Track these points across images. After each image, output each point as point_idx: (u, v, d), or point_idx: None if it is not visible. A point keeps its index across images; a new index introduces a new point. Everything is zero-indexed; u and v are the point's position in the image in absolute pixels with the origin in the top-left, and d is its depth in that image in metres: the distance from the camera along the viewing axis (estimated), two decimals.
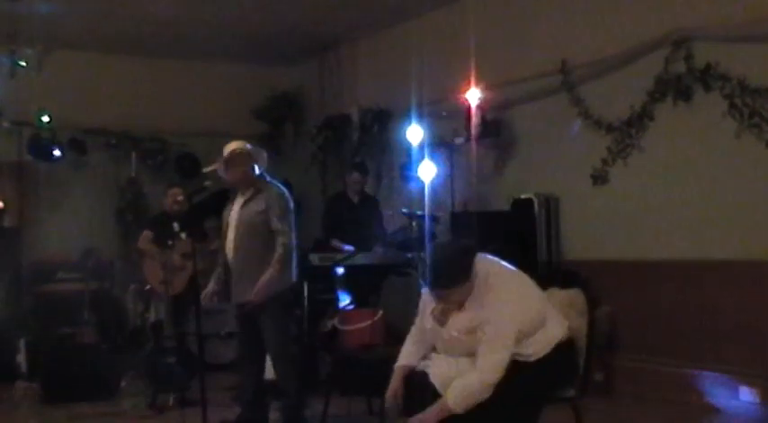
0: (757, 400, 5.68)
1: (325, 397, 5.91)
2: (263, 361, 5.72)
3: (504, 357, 3.75)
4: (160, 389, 6.84)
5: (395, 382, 4.05)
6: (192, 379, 6.66)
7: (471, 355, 3.82)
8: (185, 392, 6.71)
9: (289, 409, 5.61)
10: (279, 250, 5.49)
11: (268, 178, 5.73)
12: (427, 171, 7.67)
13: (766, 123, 5.82)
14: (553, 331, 3.89)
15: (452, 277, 3.82)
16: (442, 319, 3.95)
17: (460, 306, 3.87)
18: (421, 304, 4.12)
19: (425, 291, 4.10)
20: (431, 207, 7.81)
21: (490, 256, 3.98)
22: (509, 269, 3.98)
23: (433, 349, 4.05)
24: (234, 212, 5.62)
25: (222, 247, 5.74)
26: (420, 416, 3.84)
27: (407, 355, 4.12)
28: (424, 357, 4.05)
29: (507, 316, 3.77)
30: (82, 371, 7.12)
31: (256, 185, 5.60)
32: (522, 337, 3.79)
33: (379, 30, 9.34)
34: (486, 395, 3.74)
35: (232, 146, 5.62)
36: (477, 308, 3.82)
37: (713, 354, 6.11)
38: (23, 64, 8.07)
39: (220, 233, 5.82)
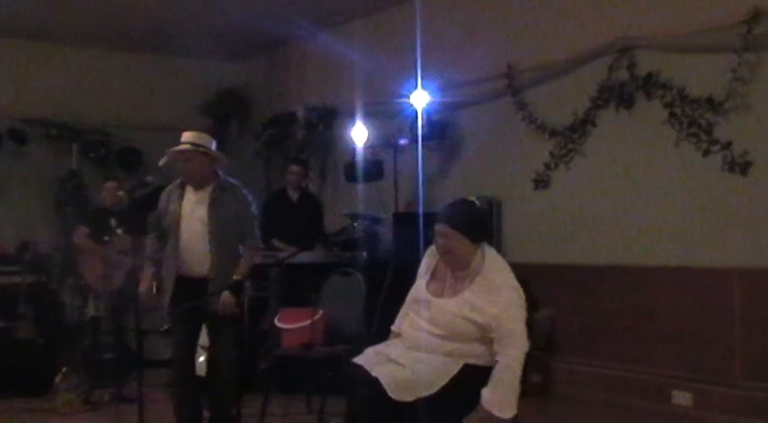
0: (690, 404, 5.79)
1: (264, 395, 5.89)
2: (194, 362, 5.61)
3: (525, 344, 3.77)
4: (96, 384, 6.76)
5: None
6: (130, 375, 6.58)
7: (446, 338, 3.83)
8: (123, 388, 6.64)
9: (222, 408, 5.49)
10: (252, 253, 5.43)
11: (221, 175, 5.50)
12: (371, 171, 7.68)
13: (704, 133, 5.94)
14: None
15: (466, 222, 3.89)
16: (443, 288, 3.95)
17: (454, 264, 3.91)
18: (423, 266, 4.11)
19: (431, 252, 4.08)
20: (374, 208, 7.85)
21: (494, 251, 4.03)
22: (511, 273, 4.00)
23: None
24: (189, 209, 5.30)
25: (170, 241, 5.35)
26: None
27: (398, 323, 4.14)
28: (379, 352, 4.02)
29: (519, 307, 3.81)
30: (17, 366, 6.99)
31: (217, 182, 5.38)
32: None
33: (327, 28, 9.33)
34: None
35: (196, 136, 5.35)
36: (485, 297, 3.82)
37: (648, 357, 6.22)
38: None
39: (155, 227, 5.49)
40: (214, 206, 5.28)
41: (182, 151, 5.25)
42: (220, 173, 5.49)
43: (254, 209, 5.51)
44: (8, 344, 7.32)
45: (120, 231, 7.19)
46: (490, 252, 3.97)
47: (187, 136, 5.34)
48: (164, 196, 5.42)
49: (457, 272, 3.97)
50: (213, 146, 5.42)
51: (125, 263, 6.96)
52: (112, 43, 9.82)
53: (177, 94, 10.26)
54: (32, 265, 8.42)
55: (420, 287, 4.07)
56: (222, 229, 5.27)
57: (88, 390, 6.73)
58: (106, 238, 7.13)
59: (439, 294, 3.97)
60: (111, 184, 7.48)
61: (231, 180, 5.54)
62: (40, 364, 7.16)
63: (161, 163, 5.34)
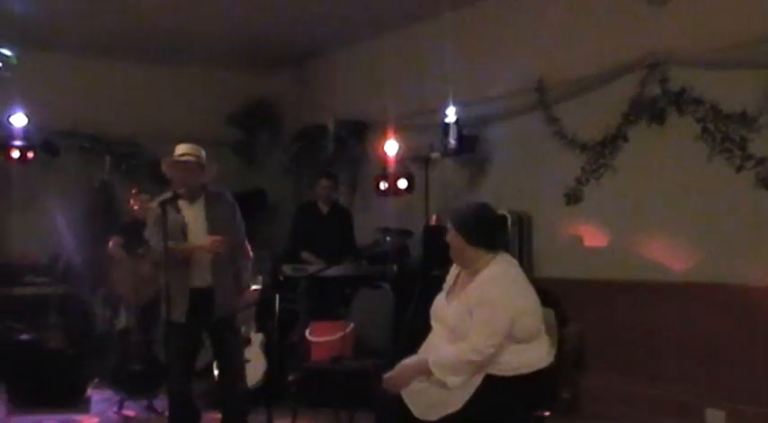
0: None
1: (293, 409, 5.90)
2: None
3: (492, 343, 3.81)
4: (127, 396, 6.79)
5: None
6: (160, 386, 6.61)
7: (456, 342, 3.90)
8: (153, 400, 6.67)
9: (238, 416, 5.48)
10: (249, 263, 5.55)
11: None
12: (402, 185, 7.68)
13: (737, 148, 5.88)
14: (540, 355, 3.94)
15: (464, 223, 4.04)
16: (454, 294, 4.09)
17: (462, 265, 4.05)
18: (447, 278, 4.25)
19: (454, 267, 4.22)
20: (404, 221, 7.84)
21: (510, 256, 4.11)
22: (521, 273, 4.08)
23: None
24: (191, 220, 5.35)
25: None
26: (397, 370, 3.98)
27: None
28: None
29: (502, 304, 3.85)
30: (47, 377, 7.04)
31: (205, 191, 5.45)
32: (511, 337, 3.83)
33: (359, 42, 9.35)
34: (463, 373, 3.82)
35: (195, 148, 5.39)
36: (476, 287, 3.93)
37: (681, 375, 6.15)
38: (13, 60, 7.86)
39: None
40: (211, 214, 5.38)
41: (186, 162, 5.33)
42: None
43: (241, 216, 5.57)
44: (39, 354, 7.36)
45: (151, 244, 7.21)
46: (499, 263, 4.02)
47: (186, 148, 5.40)
48: (156, 212, 5.27)
49: (465, 275, 4.08)
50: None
51: (158, 277, 6.96)
52: (143, 55, 9.90)
53: (207, 105, 10.32)
54: (64, 276, 8.50)
55: (440, 298, 4.18)
56: (222, 236, 5.34)
57: (120, 402, 6.77)
58: (140, 251, 7.14)
59: (450, 300, 4.10)
60: (143, 197, 7.52)
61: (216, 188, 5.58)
62: (70, 374, 7.22)
63: (163, 169, 5.43)
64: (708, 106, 6.03)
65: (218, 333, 5.47)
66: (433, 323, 4.15)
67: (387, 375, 4.01)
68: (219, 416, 5.56)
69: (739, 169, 5.87)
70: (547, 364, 3.97)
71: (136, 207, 7.43)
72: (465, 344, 3.84)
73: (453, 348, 3.89)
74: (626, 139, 6.65)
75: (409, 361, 4.03)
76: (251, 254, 5.68)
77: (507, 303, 3.86)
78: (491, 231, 4.09)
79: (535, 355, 3.94)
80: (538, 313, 3.98)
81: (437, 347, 4.00)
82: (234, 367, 5.51)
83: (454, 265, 4.23)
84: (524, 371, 3.89)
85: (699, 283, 6.13)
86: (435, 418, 3.80)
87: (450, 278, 4.22)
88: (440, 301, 4.17)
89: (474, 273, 4.02)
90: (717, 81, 6.02)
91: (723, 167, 5.96)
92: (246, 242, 5.60)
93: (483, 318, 3.84)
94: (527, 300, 3.96)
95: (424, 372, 3.88)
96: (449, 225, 4.11)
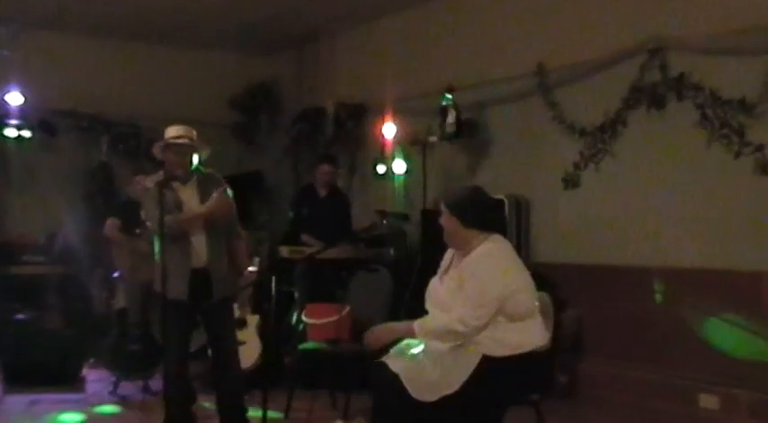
0: (717, 408, 5.74)
1: (289, 390, 5.92)
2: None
3: (479, 314, 3.84)
4: (123, 377, 6.81)
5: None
6: (156, 367, 6.63)
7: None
8: (149, 380, 6.68)
9: (234, 401, 5.49)
10: (242, 243, 5.57)
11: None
12: (400, 168, 7.68)
13: (736, 135, 5.87)
14: (534, 335, 3.96)
15: (457, 204, 4.09)
16: (445, 275, 4.13)
17: (454, 245, 4.09)
18: (442, 263, 4.27)
19: (449, 250, 4.24)
20: (402, 205, 7.85)
21: (503, 238, 4.14)
22: (513, 252, 4.12)
23: None
24: (186, 201, 5.33)
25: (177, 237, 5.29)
26: (381, 327, 4.13)
27: None
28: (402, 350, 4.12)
29: (494, 278, 3.89)
30: (44, 356, 7.07)
31: (197, 173, 5.42)
32: (505, 313, 3.85)
33: (359, 24, 9.32)
34: (447, 341, 3.90)
35: (188, 130, 5.37)
36: (467, 264, 3.97)
37: (676, 360, 6.17)
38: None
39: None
40: (204, 196, 5.36)
41: (181, 144, 5.31)
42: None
43: (231, 195, 5.53)
44: (35, 333, 7.39)
45: (149, 224, 7.21)
46: (492, 241, 4.04)
47: (180, 129, 5.36)
48: (152, 193, 5.29)
49: (459, 256, 4.11)
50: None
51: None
52: (144, 36, 9.86)
53: (207, 87, 10.29)
54: (62, 256, 8.50)
55: (434, 280, 4.23)
56: (214, 222, 5.34)
57: (115, 382, 6.78)
58: (138, 231, 7.15)
59: (443, 281, 4.15)
60: (140, 178, 7.50)
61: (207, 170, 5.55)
62: (66, 354, 7.24)
63: (155, 152, 5.40)
64: (707, 92, 6.01)
65: (213, 314, 5.46)
66: (427, 306, 4.17)
67: (370, 330, 4.07)
68: (214, 397, 5.57)
69: (737, 155, 5.86)
70: (542, 346, 3.99)
71: (138, 187, 7.40)
72: (452, 314, 3.89)
73: (441, 316, 3.95)
74: (625, 125, 6.64)
75: (396, 323, 4.14)
76: (243, 233, 5.68)
77: (497, 278, 3.89)
78: (485, 214, 4.11)
79: (530, 334, 3.96)
80: (531, 291, 4.01)
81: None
82: (227, 349, 5.51)
83: (448, 251, 4.25)
84: (520, 351, 3.91)
85: (695, 269, 6.14)
86: (432, 398, 3.82)
87: (444, 261, 4.25)
88: (433, 283, 4.20)
89: (467, 252, 4.04)
90: (717, 67, 6.01)
91: (722, 154, 5.96)
92: (237, 224, 5.59)
93: (472, 290, 3.88)
94: (519, 277, 3.99)
95: (409, 333, 3.98)
96: (443, 207, 4.14)
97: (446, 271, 4.17)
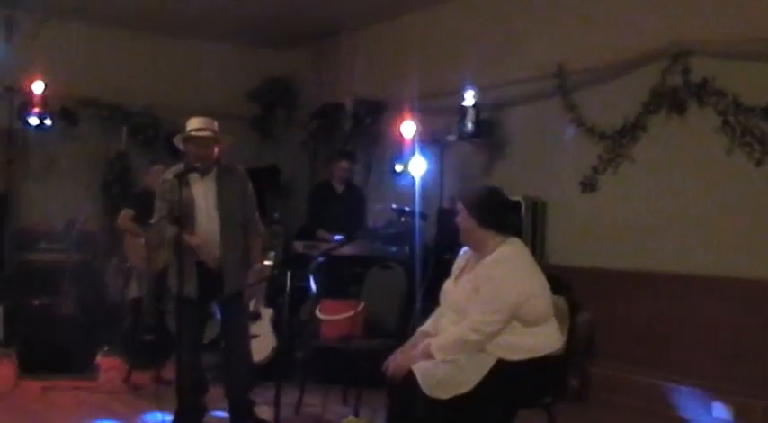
0: (730, 418, 5.70)
1: (301, 385, 5.93)
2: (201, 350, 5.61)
3: (493, 320, 3.84)
4: (136, 366, 6.84)
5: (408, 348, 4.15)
6: (169, 358, 6.65)
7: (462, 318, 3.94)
8: (162, 370, 6.71)
9: (242, 394, 5.50)
10: (259, 239, 5.55)
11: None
12: (418, 166, 7.66)
13: (757, 142, 5.85)
14: (549, 339, 3.95)
15: (475, 203, 4.06)
16: (461, 278, 4.10)
17: (469, 244, 4.06)
18: (454, 265, 4.25)
19: (463, 252, 4.23)
20: (419, 203, 7.81)
21: (520, 242, 4.13)
22: (530, 256, 4.10)
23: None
24: (201, 195, 5.31)
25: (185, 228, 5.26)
26: (402, 354, 4.02)
27: (428, 323, 4.24)
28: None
29: (509, 283, 3.87)
30: (58, 342, 7.10)
31: (219, 165, 5.41)
32: (520, 319, 3.85)
33: (379, 21, 9.32)
34: (463, 351, 3.85)
35: (210, 122, 5.34)
36: (483, 267, 3.95)
37: (689, 367, 6.15)
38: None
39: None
40: (222, 189, 5.35)
41: (203, 137, 5.29)
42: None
43: (253, 190, 5.54)
44: (51, 320, 7.43)
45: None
46: (509, 245, 4.03)
47: (202, 122, 5.35)
48: (164, 186, 5.34)
49: (474, 260, 4.09)
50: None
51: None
52: (165, 28, 9.88)
53: (226, 80, 10.31)
54: (78, 244, 8.54)
55: (448, 282, 4.21)
56: (232, 212, 5.36)
57: (128, 370, 6.82)
58: (152, 221, 7.15)
59: (458, 284, 4.13)
60: (158, 167, 7.53)
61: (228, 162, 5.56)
62: (80, 341, 7.28)
63: (177, 143, 5.39)
64: (730, 99, 5.99)
65: (226, 309, 5.49)
66: (442, 309, 4.17)
67: (389, 360, 4.03)
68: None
69: (759, 163, 5.84)
70: (557, 350, 3.98)
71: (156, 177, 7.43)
72: (466, 322, 3.87)
73: (454, 328, 3.92)
74: (645, 129, 6.62)
75: (412, 347, 4.07)
76: (262, 229, 5.67)
77: (513, 284, 3.88)
78: (502, 214, 4.11)
79: (545, 338, 3.95)
80: (547, 296, 3.99)
81: (444, 330, 4.02)
82: (237, 343, 5.52)
83: (463, 250, 4.25)
84: (534, 355, 3.90)
85: (713, 277, 6.12)
86: (445, 396, 3.82)
87: (458, 262, 4.23)
88: (447, 285, 4.19)
89: (483, 256, 4.03)
90: (740, 73, 5.99)
91: (742, 161, 5.93)
92: (257, 218, 5.58)
93: (486, 295, 3.87)
94: (535, 282, 3.97)
95: (428, 356, 3.91)
96: (460, 206, 4.12)
97: (461, 274, 4.15)
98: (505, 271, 3.90)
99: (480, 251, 4.07)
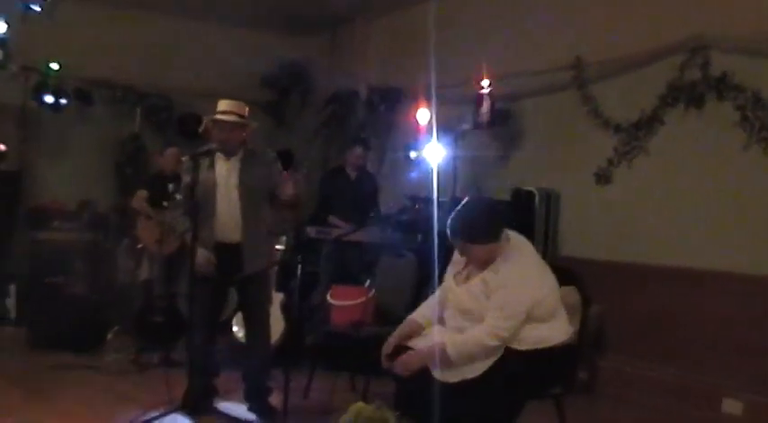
0: (739, 414, 5.69)
1: (310, 370, 5.93)
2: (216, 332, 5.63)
3: (510, 326, 3.82)
4: (145, 346, 6.86)
5: (393, 338, 4.15)
6: (179, 340, 6.67)
7: (476, 321, 3.89)
8: (171, 352, 6.72)
9: (260, 378, 5.51)
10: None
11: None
12: (435, 154, 7.63)
13: None
14: (558, 331, 3.93)
15: (479, 230, 3.93)
16: (463, 275, 4.05)
17: (483, 266, 3.94)
18: (451, 263, 4.20)
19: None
20: (433, 191, 7.79)
21: (523, 237, 4.06)
22: (536, 254, 4.06)
23: (440, 320, 4.13)
24: (223, 177, 5.29)
25: (205, 210, 5.27)
26: (413, 353, 3.97)
27: (419, 312, 4.22)
28: (420, 334, 4.11)
29: (524, 288, 3.84)
30: (69, 320, 7.13)
31: (245, 148, 5.39)
32: (531, 317, 3.85)
33: (395, 9, 9.29)
34: (480, 357, 3.81)
35: (237, 106, 5.32)
36: (494, 273, 3.90)
37: (700, 363, 6.12)
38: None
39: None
40: (246, 172, 5.31)
41: (227, 122, 5.25)
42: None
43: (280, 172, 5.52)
44: (62, 298, 7.46)
45: (178, 196, 7.24)
46: (513, 250, 3.97)
47: (229, 105, 5.31)
48: (188, 166, 5.33)
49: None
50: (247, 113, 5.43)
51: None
52: (181, 11, 9.86)
53: (241, 64, 10.26)
54: (91, 224, 8.57)
55: (448, 278, 4.16)
56: (254, 194, 5.32)
57: (137, 351, 6.83)
58: (165, 204, 7.17)
59: (460, 283, 4.06)
60: (173, 150, 7.54)
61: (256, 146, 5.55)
62: (92, 320, 7.32)
63: (201, 129, 5.37)
64: (749, 94, 5.95)
65: (245, 290, 5.48)
66: (445, 307, 4.13)
67: (399, 358, 4.01)
68: (238, 374, 5.60)
69: None
70: (566, 340, 3.96)
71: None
72: (482, 327, 3.84)
73: (470, 332, 3.88)
74: (662, 123, 6.59)
75: (422, 344, 4.02)
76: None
77: (527, 288, 3.85)
78: (498, 222, 4.01)
79: (554, 330, 3.93)
80: (555, 292, 3.97)
81: (451, 332, 3.99)
82: (255, 327, 5.53)
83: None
84: (543, 345, 3.89)
85: (726, 272, 6.08)
86: (454, 380, 3.82)
87: (458, 259, 4.16)
88: (449, 283, 4.13)
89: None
90: (760, 68, 5.93)
91: (760, 157, 5.89)
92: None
93: (501, 301, 3.84)
94: (545, 283, 3.94)
95: (440, 355, 3.86)
96: (463, 244, 3.97)
97: (467, 276, 4.08)
98: (517, 276, 3.86)
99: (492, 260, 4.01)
